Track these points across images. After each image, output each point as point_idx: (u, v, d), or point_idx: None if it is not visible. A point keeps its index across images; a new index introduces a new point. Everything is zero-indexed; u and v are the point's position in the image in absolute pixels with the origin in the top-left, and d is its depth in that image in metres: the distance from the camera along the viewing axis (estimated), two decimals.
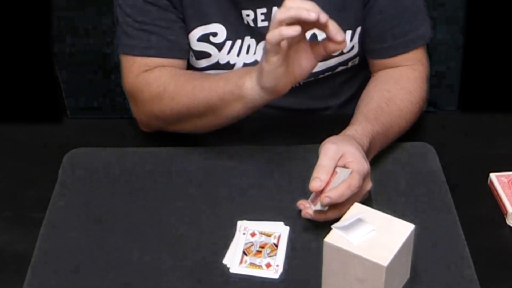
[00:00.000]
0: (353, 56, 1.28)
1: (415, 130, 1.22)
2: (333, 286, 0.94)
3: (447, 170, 1.14)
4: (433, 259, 0.99)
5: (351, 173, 1.00)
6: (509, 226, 1.06)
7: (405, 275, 0.96)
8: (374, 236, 0.91)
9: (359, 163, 1.02)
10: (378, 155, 1.15)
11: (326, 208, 1.00)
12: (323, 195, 0.99)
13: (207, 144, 1.19)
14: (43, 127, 1.26)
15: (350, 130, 1.10)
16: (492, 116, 1.26)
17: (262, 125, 1.27)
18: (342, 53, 1.25)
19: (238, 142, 1.20)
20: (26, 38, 1.55)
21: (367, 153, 1.08)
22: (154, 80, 1.19)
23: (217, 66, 1.26)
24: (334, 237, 0.91)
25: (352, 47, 1.26)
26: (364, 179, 1.02)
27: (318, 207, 1.01)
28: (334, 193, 0.99)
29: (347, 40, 1.23)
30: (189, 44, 1.24)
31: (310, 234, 1.03)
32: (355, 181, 1.00)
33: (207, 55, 1.25)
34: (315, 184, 1.00)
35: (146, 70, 1.21)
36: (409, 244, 0.93)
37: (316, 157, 1.15)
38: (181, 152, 1.18)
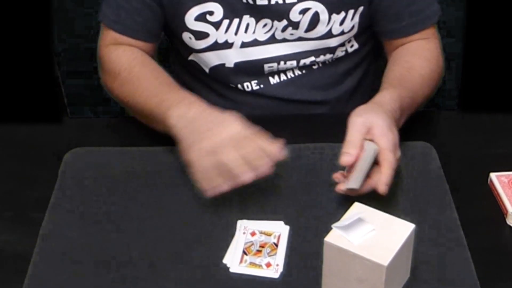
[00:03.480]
0: (352, 37, 1.29)
1: (415, 130, 1.22)
2: (333, 286, 0.94)
3: (447, 170, 1.14)
4: (433, 259, 0.99)
5: (376, 150, 1.01)
6: (509, 226, 1.06)
7: (405, 275, 0.96)
8: (374, 236, 0.91)
9: (385, 137, 1.02)
10: None
11: (358, 187, 1.02)
12: (381, 186, 1.00)
13: None
14: (43, 127, 1.26)
15: (378, 97, 1.11)
16: (492, 116, 1.26)
17: (261, 125, 1.27)
18: (343, 33, 1.26)
19: None
20: (26, 38, 1.55)
21: (398, 117, 1.09)
22: (115, 58, 1.24)
23: (215, 46, 1.26)
24: (334, 237, 0.91)
25: (353, 27, 1.26)
26: (395, 150, 1.03)
27: (351, 185, 1.01)
28: (384, 179, 1.01)
29: (349, 20, 1.25)
30: (180, 27, 1.25)
31: (310, 234, 1.03)
32: (392, 159, 1.01)
33: (205, 35, 1.25)
34: (345, 158, 1.01)
35: (114, 44, 1.25)
36: (409, 244, 0.93)
37: (316, 156, 1.16)
38: None
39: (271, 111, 1.33)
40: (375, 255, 0.89)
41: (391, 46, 1.29)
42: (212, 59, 1.29)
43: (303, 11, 1.22)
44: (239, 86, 1.32)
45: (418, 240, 0.95)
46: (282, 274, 0.98)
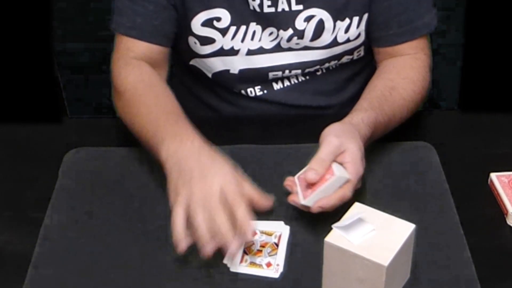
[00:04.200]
0: (359, 45, 1.28)
1: (415, 130, 1.22)
2: (333, 286, 0.94)
3: (447, 170, 1.14)
4: (433, 259, 0.99)
5: (347, 181, 1.00)
6: (509, 226, 1.06)
7: (405, 275, 0.96)
8: (375, 236, 0.91)
9: (355, 167, 1.01)
10: (379, 155, 1.15)
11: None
12: (318, 204, 0.99)
13: None
14: (43, 127, 1.26)
15: (357, 118, 1.09)
16: (492, 116, 1.26)
17: (262, 125, 1.27)
18: (348, 41, 1.25)
19: (238, 142, 1.20)
20: (26, 38, 1.55)
21: (366, 142, 1.08)
22: (123, 77, 1.20)
23: (221, 52, 1.25)
24: (335, 237, 0.91)
25: (359, 35, 1.26)
26: (357, 183, 1.02)
27: (307, 202, 1.00)
28: (326, 204, 0.99)
29: (354, 27, 1.24)
30: (186, 31, 1.24)
31: (310, 234, 1.03)
32: (348, 193, 1.00)
33: (211, 40, 1.24)
34: (311, 175, 0.99)
35: (126, 61, 1.21)
36: (409, 244, 0.93)
37: None
38: None
39: (272, 120, 1.32)
40: (375, 255, 0.89)
41: (380, 55, 1.28)
42: (217, 64, 1.28)
43: (308, 19, 1.21)
44: (243, 91, 1.32)
45: (418, 240, 0.95)
46: (282, 274, 0.98)
